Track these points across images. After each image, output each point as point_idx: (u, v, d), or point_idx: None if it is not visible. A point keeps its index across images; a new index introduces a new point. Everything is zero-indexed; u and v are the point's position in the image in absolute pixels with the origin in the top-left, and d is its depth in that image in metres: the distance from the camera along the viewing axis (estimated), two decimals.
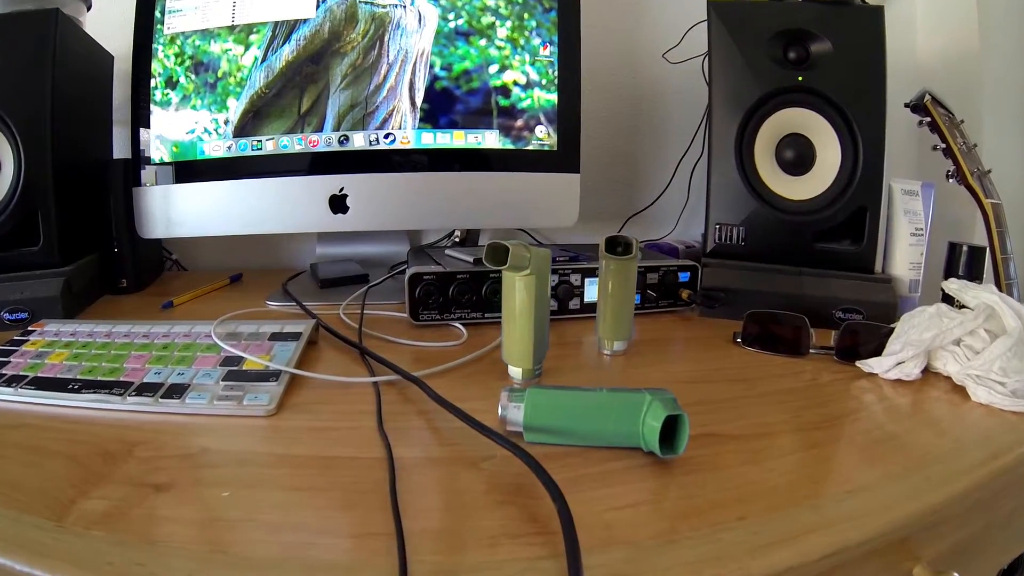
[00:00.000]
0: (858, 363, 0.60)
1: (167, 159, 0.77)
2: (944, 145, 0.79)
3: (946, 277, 0.73)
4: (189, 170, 0.77)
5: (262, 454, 0.42)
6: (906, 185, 0.78)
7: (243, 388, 0.49)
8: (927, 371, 0.58)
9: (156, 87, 0.76)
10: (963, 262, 0.75)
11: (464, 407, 0.45)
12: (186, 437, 0.44)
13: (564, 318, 0.73)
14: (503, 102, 0.79)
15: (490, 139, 0.79)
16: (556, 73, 0.80)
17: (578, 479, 0.40)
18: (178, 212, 0.77)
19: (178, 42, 0.76)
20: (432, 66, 0.77)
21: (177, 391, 0.49)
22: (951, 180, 0.79)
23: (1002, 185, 0.78)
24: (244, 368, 0.52)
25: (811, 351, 0.64)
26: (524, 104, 0.79)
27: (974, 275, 0.74)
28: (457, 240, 0.95)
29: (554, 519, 0.34)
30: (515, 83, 0.79)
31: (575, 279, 0.73)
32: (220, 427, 0.46)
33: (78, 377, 0.51)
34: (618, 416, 0.43)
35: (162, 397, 0.48)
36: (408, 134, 0.77)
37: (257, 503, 0.37)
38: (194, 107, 0.76)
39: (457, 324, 0.69)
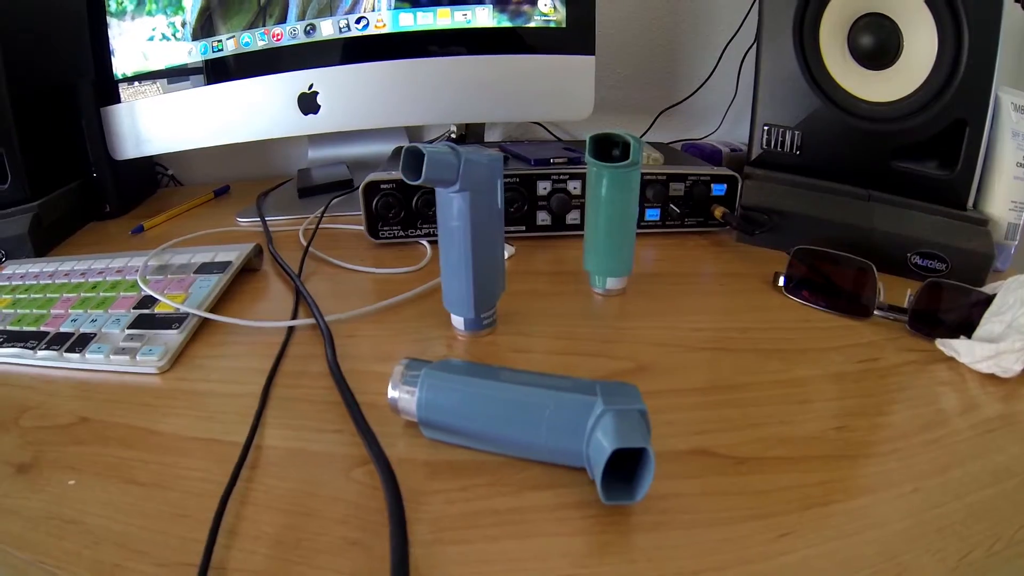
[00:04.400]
0: (938, 342, 0.44)
1: (129, 73, 0.69)
2: None
3: None
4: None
5: (129, 428, 0.37)
6: (1020, 99, 0.57)
7: (143, 338, 0.44)
8: None
9: None
10: None
11: (383, 370, 0.36)
12: (74, 401, 0.40)
13: (560, 235, 0.62)
14: None
15: (481, 16, 0.65)
16: None
17: (472, 516, 0.29)
18: (145, 129, 0.70)
19: None
20: None
21: (81, 343, 0.44)
22: None
23: None
24: (155, 312, 0.47)
25: (876, 313, 0.48)
26: None
27: None
28: (452, 136, 0.83)
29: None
30: None
31: (573, 186, 0.60)
32: (109, 388, 0.41)
33: (6, 328, 0.47)
34: (552, 428, 0.30)
35: (66, 351, 0.43)
36: (383, 16, 0.65)
37: (93, 500, 0.31)
38: (149, 12, 0.67)
39: (423, 241, 0.59)
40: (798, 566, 0.26)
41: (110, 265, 0.54)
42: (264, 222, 0.65)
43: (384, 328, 0.46)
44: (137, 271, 0.51)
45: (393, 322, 0.47)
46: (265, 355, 0.42)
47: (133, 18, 0.68)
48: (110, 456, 0.34)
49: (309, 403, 0.38)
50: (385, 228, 0.59)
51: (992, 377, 0.41)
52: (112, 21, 0.68)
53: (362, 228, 0.62)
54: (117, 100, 0.70)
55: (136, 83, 0.69)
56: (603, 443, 0.28)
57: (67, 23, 0.75)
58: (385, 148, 0.84)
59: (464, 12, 0.65)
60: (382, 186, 0.57)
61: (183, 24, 0.67)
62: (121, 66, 0.69)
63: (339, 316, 0.46)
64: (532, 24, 0.66)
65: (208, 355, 0.44)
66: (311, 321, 0.45)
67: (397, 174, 0.58)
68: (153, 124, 0.70)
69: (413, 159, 0.37)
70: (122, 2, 0.67)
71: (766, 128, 0.61)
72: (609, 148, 0.47)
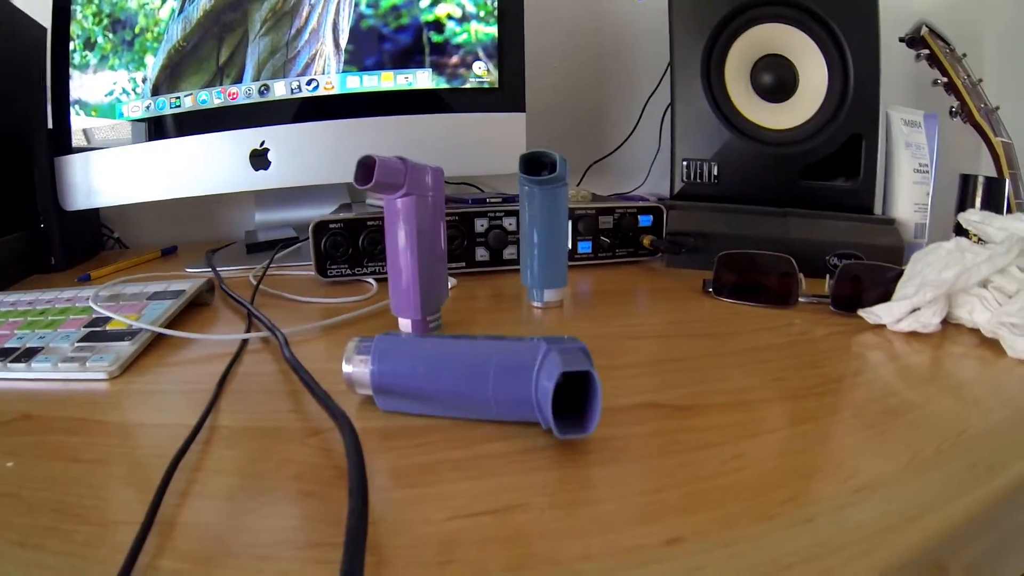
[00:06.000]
0: (861, 312, 0.49)
1: (87, 125, 0.73)
2: (946, 79, 0.69)
3: (959, 213, 0.63)
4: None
5: (77, 420, 0.36)
6: (907, 115, 0.68)
7: (93, 349, 0.45)
8: (946, 322, 0.47)
9: (75, 50, 0.73)
10: (979, 196, 0.65)
11: (335, 367, 0.36)
12: (17, 404, 0.39)
13: (498, 270, 0.65)
14: (436, 38, 0.72)
15: (422, 79, 0.72)
16: (495, 3, 0.72)
17: (429, 466, 0.29)
18: (98, 180, 0.73)
19: (95, 0, 0.72)
20: (357, 4, 0.71)
21: (27, 355, 0.44)
22: (955, 118, 0.68)
23: (1010, 126, 0.68)
24: (107, 329, 0.48)
25: (801, 300, 0.53)
26: (460, 39, 0.72)
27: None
28: None
29: (374, 524, 0.25)
30: (449, 16, 0.71)
31: (509, 223, 0.65)
32: (56, 392, 0.40)
33: None
34: (500, 375, 0.31)
35: (11, 362, 0.43)
36: (332, 79, 0.71)
37: (31, 477, 0.30)
38: (112, 67, 0.72)
39: (370, 279, 0.62)
40: (753, 480, 0.28)
41: (59, 296, 0.55)
42: (214, 269, 0.67)
43: (336, 338, 0.48)
44: (88, 299, 0.53)
45: (344, 334, 0.48)
46: (219, 363, 0.43)
47: (95, 71, 0.72)
48: (53, 441, 0.34)
49: (263, 392, 0.39)
50: (333, 267, 0.62)
51: (915, 335, 0.45)
52: (74, 73, 0.72)
53: (310, 274, 0.64)
54: (71, 151, 0.73)
55: (92, 135, 0.73)
56: (552, 371, 0.29)
57: (27, 74, 0.78)
58: (326, 212, 0.87)
59: (406, 75, 0.72)
60: (331, 226, 0.61)
61: (143, 80, 0.71)
62: (79, 119, 0.73)
63: (293, 329, 0.48)
64: (468, 85, 0.73)
65: (161, 364, 0.44)
66: (264, 334, 0.47)
67: (345, 215, 0.62)
68: (106, 176, 0.72)
69: (364, 168, 0.41)
70: (86, 56, 0.72)
71: (685, 163, 0.69)
72: (539, 168, 0.52)
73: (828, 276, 0.53)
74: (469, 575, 0.22)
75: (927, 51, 0.69)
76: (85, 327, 0.48)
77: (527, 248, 0.53)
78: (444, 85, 0.72)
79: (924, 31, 0.69)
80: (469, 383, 0.32)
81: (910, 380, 0.39)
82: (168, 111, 0.71)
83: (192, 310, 0.55)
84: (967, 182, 0.65)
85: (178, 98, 0.71)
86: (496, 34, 0.72)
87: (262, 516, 0.27)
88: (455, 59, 0.72)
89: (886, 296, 0.49)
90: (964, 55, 0.69)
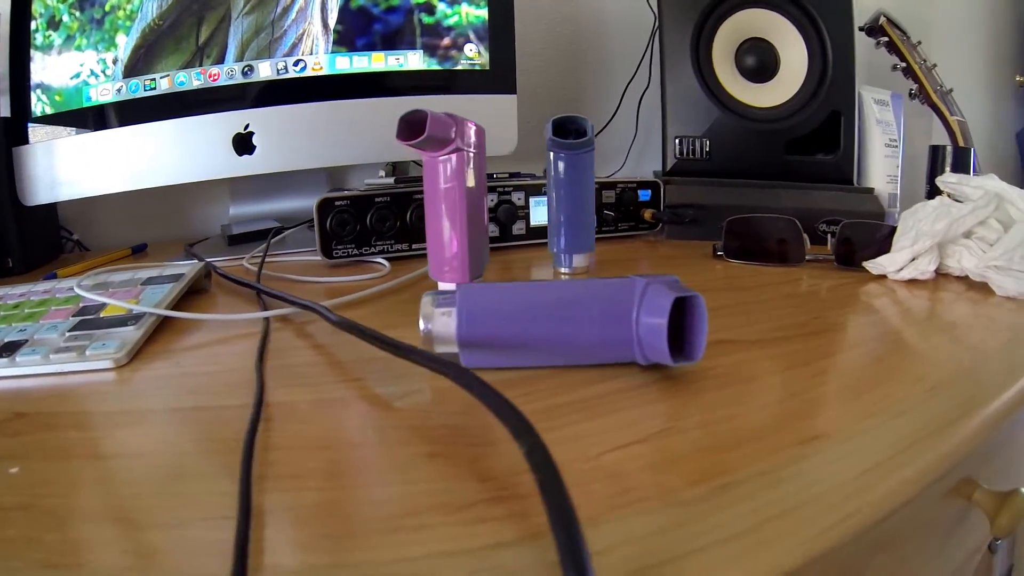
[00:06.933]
0: (866, 264, 0.48)
1: (49, 111, 0.61)
2: (904, 64, 0.69)
3: (929, 182, 0.63)
4: (75, 120, 0.61)
5: (91, 413, 0.28)
6: (877, 94, 0.68)
7: (91, 337, 0.35)
8: (936, 272, 0.47)
9: (37, 30, 0.61)
10: (948, 164, 0.65)
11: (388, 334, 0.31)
12: (2, 403, 0.30)
13: (507, 246, 0.59)
14: (427, 19, 0.65)
15: (413, 60, 0.65)
16: None
17: (549, 412, 0.25)
18: (64, 171, 0.61)
19: None
20: None
21: (8, 350, 0.34)
22: (914, 99, 0.68)
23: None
24: (101, 316, 0.38)
25: (807, 258, 0.52)
26: (450, 21, 0.65)
27: None
28: (382, 176, 0.80)
29: (519, 475, 0.20)
30: None
31: (518, 197, 0.59)
32: (50, 387, 0.31)
33: None
34: (599, 315, 0.28)
35: None
36: (320, 59, 0.63)
37: (45, 483, 0.22)
38: (79, 47, 0.61)
39: (379, 259, 0.54)
40: (842, 390, 0.28)
41: (32, 289, 0.44)
42: (200, 258, 0.57)
43: (372, 311, 0.40)
44: (70, 289, 0.42)
45: (372, 311, 0.41)
46: (243, 344, 0.35)
47: (60, 52, 0.60)
48: (60, 439, 0.25)
49: (309, 366, 0.31)
50: (339, 247, 0.54)
51: (914, 282, 0.46)
52: (36, 55, 0.60)
53: (308, 259, 0.57)
54: (28, 140, 0.61)
55: (54, 124, 0.61)
56: (661, 302, 0.26)
57: None
58: (307, 203, 0.78)
59: (397, 57, 0.65)
60: (336, 203, 0.53)
61: (114, 61, 0.60)
62: (40, 103, 0.61)
63: (330, 302, 0.40)
64: (459, 67, 0.67)
65: (174, 349, 0.35)
66: (288, 310, 0.39)
67: (350, 192, 0.54)
68: (72, 166, 0.61)
69: (408, 125, 0.35)
70: (49, 36, 0.60)
71: (677, 140, 0.65)
72: (566, 133, 0.47)
73: (819, 241, 0.52)
74: (660, 496, 0.19)
75: (886, 39, 0.69)
76: (74, 316, 0.38)
77: (555, 215, 0.47)
78: (436, 67, 0.65)
79: (882, 20, 0.68)
80: (569, 328, 0.28)
81: (919, 320, 0.40)
82: (142, 93, 0.61)
83: (189, 297, 0.45)
84: (936, 152, 0.65)
85: (153, 80, 0.61)
86: (486, 17, 0.66)
87: (387, 487, 0.20)
88: (447, 40, 0.65)
89: (882, 251, 0.49)
90: (919, 42, 0.69)
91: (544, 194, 0.59)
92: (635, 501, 0.19)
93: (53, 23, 0.61)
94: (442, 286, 0.40)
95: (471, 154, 0.37)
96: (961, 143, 0.66)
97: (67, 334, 0.35)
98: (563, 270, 0.49)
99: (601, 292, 0.28)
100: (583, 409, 0.25)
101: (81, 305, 0.40)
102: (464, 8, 0.65)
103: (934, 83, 0.68)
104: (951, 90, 0.69)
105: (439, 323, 0.28)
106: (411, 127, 0.36)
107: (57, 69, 0.61)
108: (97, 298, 0.40)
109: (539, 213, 0.59)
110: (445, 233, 0.38)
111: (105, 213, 0.77)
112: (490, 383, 0.22)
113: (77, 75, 0.60)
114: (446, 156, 0.36)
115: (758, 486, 0.20)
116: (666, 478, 0.20)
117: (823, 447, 0.22)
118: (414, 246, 0.55)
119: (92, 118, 0.61)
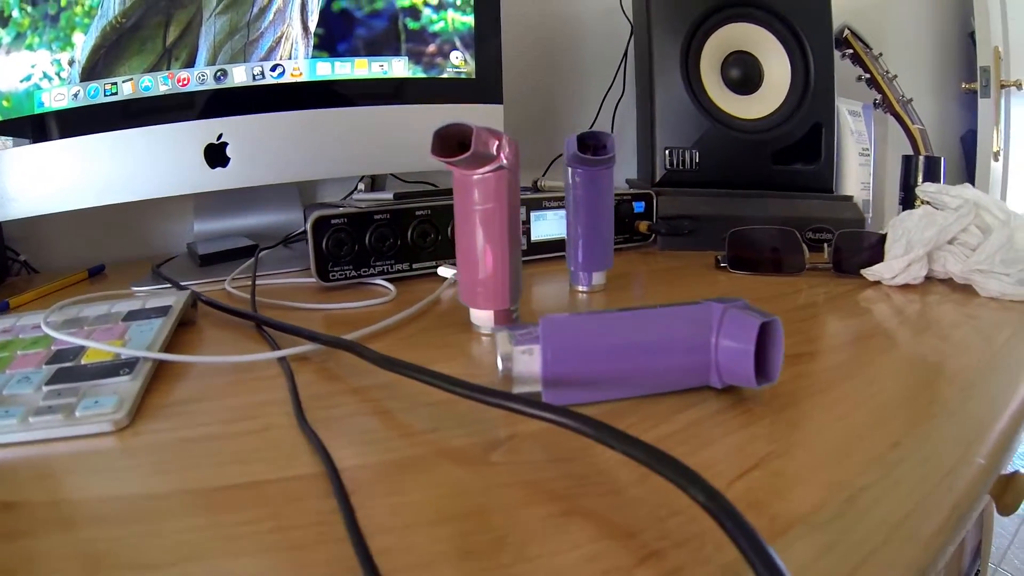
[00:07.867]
0: (864, 271, 0.49)
1: None
2: (868, 75, 0.71)
3: (903, 189, 0.65)
4: (25, 129, 0.52)
5: (105, 500, 0.22)
6: (850, 105, 0.70)
7: (76, 391, 0.29)
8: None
9: None
10: (921, 172, 0.67)
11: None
12: None
13: None
14: (412, 25, 0.60)
15: (398, 67, 0.60)
16: None
17: (660, 442, 0.23)
18: (12, 186, 0.52)
19: None
20: None
21: None
22: (878, 108, 0.70)
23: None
24: (82, 363, 0.31)
25: (806, 267, 0.52)
26: (436, 27, 0.61)
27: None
28: (361, 190, 0.75)
29: (664, 520, 0.18)
30: (425, 3, 0.60)
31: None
32: (37, 460, 0.25)
33: None
34: (681, 343, 0.26)
35: None
36: (300, 64, 0.57)
37: None
38: (30, 47, 0.52)
39: (380, 281, 0.49)
40: (898, 395, 0.28)
41: None
42: (179, 284, 0.50)
43: (396, 343, 0.36)
44: (35, 328, 0.35)
45: (394, 341, 0.36)
46: (263, 392, 0.30)
47: (8, 52, 0.51)
48: (79, 540, 0.19)
49: (361, 417, 0.27)
50: (336, 269, 0.49)
51: (907, 286, 0.48)
52: None
53: (296, 281, 0.52)
54: None
55: (1, 133, 0.52)
56: (746, 326, 0.25)
57: None
58: (278, 218, 0.72)
59: (381, 63, 0.60)
60: (333, 221, 0.47)
61: (70, 62, 0.52)
62: None
63: (354, 334, 0.35)
64: (445, 75, 0.62)
65: (181, 401, 0.29)
66: (307, 348, 0.33)
67: (347, 208, 0.49)
68: (22, 180, 0.52)
69: (441, 139, 0.32)
70: None
71: (667, 150, 0.63)
72: (586, 149, 0.44)
73: (809, 248, 0.53)
74: (802, 515, 0.19)
75: (850, 51, 0.70)
76: (48, 363, 0.31)
77: (574, 231, 0.44)
78: (421, 74, 0.61)
79: (847, 33, 0.70)
80: (653, 358, 0.26)
81: (932, 324, 0.40)
82: (102, 99, 0.53)
83: (177, 333, 0.39)
84: (909, 161, 0.66)
85: (115, 84, 0.53)
86: (473, 24, 0.62)
87: (538, 561, 0.17)
88: (432, 47, 0.60)
89: (874, 257, 0.50)
90: (880, 54, 0.71)
91: (544, 208, 0.56)
92: (785, 528, 0.18)
93: (1, 19, 0.52)
94: (475, 313, 0.36)
95: (513, 170, 0.34)
96: (922, 151, 0.68)
97: (44, 389, 0.29)
98: (581, 288, 0.46)
99: (681, 320, 0.27)
100: (685, 441, 0.24)
101: (54, 349, 0.33)
102: (450, 14, 0.61)
103: (896, 93, 0.70)
104: (911, 100, 0.71)
105: (520, 362, 0.25)
106: (445, 142, 0.32)
107: (5, 71, 0.52)
108: (73, 340, 0.33)
109: (539, 228, 0.56)
110: (484, 256, 0.34)
111: (55, 231, 0.67)
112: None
113: (28, 78, 0.51)
114: (486, 174, 0.32)
115: (881, 491, 0.20)
116: (796, 502, 0.20)
117: (903, 452, 0.23)
118: (415, 266, 0.51)
119: (45, 126, 0.52)
